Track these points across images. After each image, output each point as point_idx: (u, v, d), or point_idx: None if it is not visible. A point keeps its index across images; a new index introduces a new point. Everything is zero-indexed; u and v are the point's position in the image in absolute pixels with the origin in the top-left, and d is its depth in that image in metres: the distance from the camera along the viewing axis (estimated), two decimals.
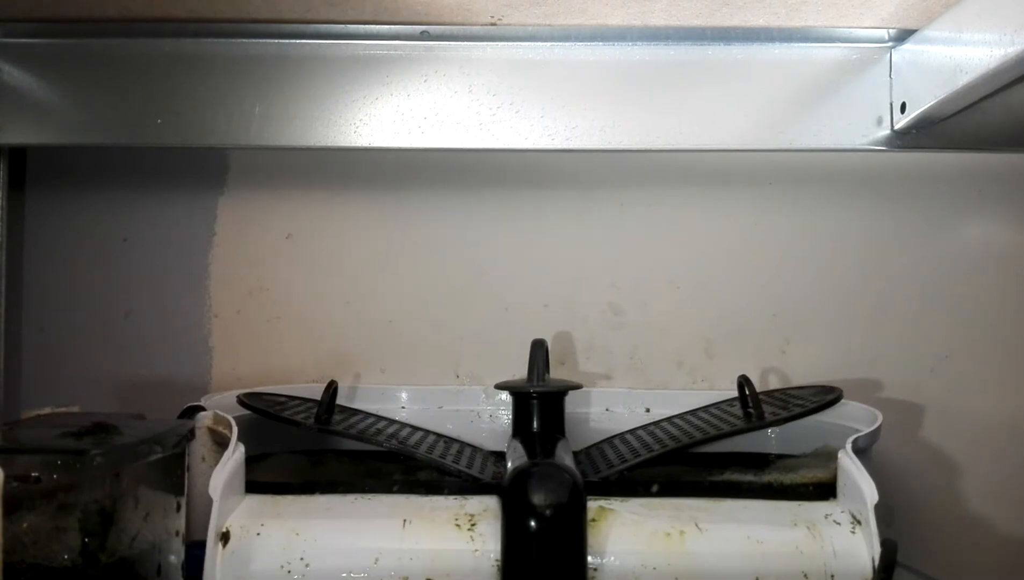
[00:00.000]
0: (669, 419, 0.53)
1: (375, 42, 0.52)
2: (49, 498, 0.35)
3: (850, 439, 0.42)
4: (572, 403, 0.51)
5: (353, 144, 0.52)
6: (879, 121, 0.52)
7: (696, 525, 0.40)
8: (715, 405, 0.53)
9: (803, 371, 0.57)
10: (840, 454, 0.42)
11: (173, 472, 0.41)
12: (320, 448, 0.51)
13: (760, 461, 0.45)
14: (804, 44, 0.52)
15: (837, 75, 0.52)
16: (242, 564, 0.38)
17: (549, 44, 0.52)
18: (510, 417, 0.51)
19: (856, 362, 0.57)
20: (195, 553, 0.39)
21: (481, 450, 0.49)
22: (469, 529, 0.39)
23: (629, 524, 0.39)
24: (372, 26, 0.52)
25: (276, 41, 0.52)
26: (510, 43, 0.52)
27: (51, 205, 0.57)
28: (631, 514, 0.40)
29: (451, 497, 0.42)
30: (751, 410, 0.47)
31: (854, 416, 0.47)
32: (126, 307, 0.58)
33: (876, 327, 0.57)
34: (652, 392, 0.56)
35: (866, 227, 0.58)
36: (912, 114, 0.49)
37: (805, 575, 0.38)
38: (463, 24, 0.52)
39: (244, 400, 0.47)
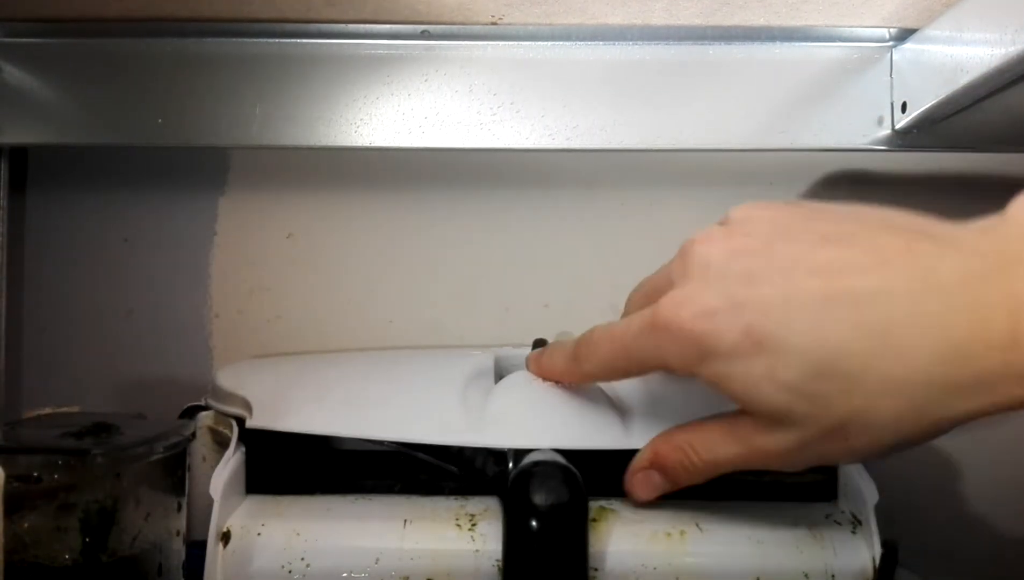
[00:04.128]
0: None
1: (375, 41, 0.52)
2: (50, 498, 0.35)
3: None
4: None
5: (354, 144, 0.52)
6: (880, 121, 0.52)
7: (697, 525, 0.40)
8: None
9: None
10: None
11: (174, 472, 0.41)
12: (321, 447, 0.50)
13: None
14: (805, 43, 0.52)
15: (838, 74, 0.52)
16: (243, 564, 0.38)
17: (550, 43, 0.52)
18: None
19: None
20: (196, 553, 0.39)
21: (482, 449, 0.48)
22: (470, 529, 0.39)
23: (630, 524, 0.39)
24: (372, 25, 0.52)
25: (277, 41, 0.52)
26: (511, 42, 0.52)
27: (51, 205, 0.57)
28: (632, 514, 0.40)
29: (452, 497, 0.42)
30: None
31: None
32: (127, 307, 0.58)
33: None
34: None
35: None
36: (913, 114, 0.49)
37: (806, 575, 0.38)
38: (464, 23, 0.52)
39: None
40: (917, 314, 0.26)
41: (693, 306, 0.30)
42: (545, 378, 0.42)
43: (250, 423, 0.41)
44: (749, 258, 0.29)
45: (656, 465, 0.37)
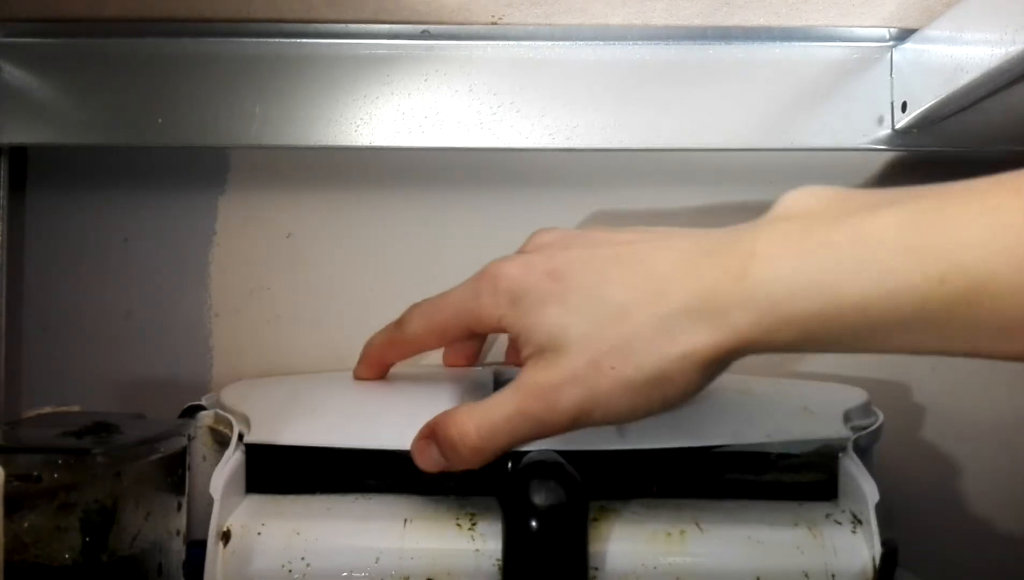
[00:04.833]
0: None
1: (376, 41, 0.52)
2: (50, 497, 0.35)
3: (851, 439, 0.42)
4: None
5: (354, 143, 0.52)
6: (880, 120, 0.52)
7: (697, 525, 0.40)
8: None
9: (805, 371, 0.57)
10: (841, 454, 0.42)
11: (174, 471, 0.41)
12: (321, 450, 0.50)
13: (761, 461, 0.45)
14: (805, 43, 0.52)
15: (838, 74, 0.52)
16: (243, 564, 0.38)
17: (550, 43, 0.52)
18: None
19: (857, 362, 0.57)
20: (196, 552, 0.39)
21: None
22: (470, 529, 0.39)
23: (630, 524, 0.40)
24: (373, 25, 0.52)
25: (276, 41, 0.52)
26: (511, 42, 0.52)
27: (51, 205, 0.57)
28: (632, 514, 0.40)
29: (452, 497, 0.42)
30: None
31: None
32: (126, 307, 0.58)
33: None
34: None
35: None
36: (913, 113, 0.49)
37: (806, 575, 0.38)
38: (464, 23, 0.52)
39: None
40: (680, 268, 0.32)
41: (516, 264, 0.35)
42: (368, 356, 0.44)
43: (248, 438, 0.41)
44: (564, 238, 0.37)
45: (434, 434, 0.36)
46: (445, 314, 0.40)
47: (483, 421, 0.34)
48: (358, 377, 0.45)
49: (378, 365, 0.45)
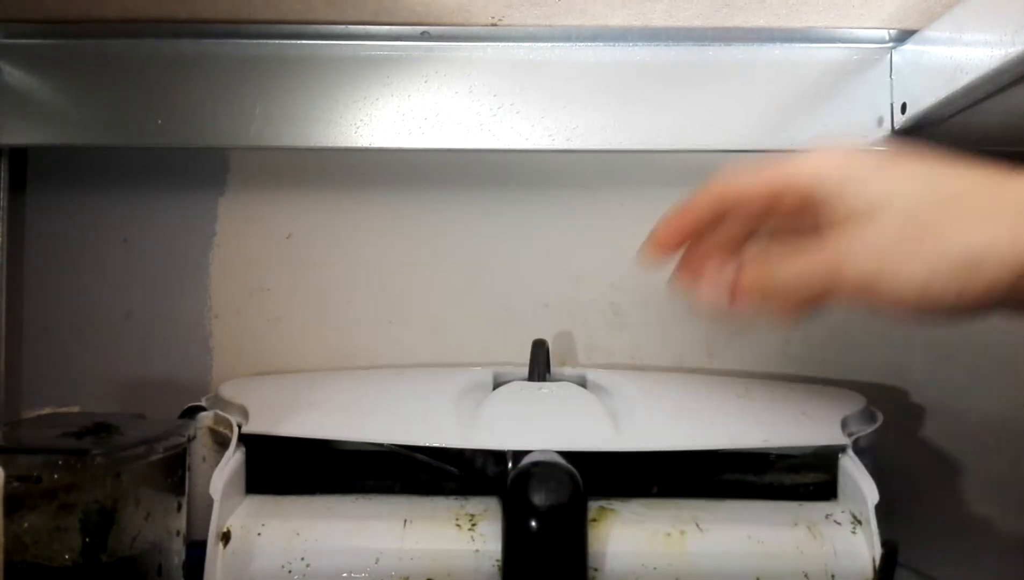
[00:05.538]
0: None
1: (376, 43, 0.52)
2: (50, 498, 0.35)
3: (848, 445, 0.42)
4: None
5: (354, 144, 0.52)
6: (880, 121, 0.52)
7: (697, 525, 0.40)
8: None
9: (805, 372, 0.57)
10: (841, 455, 0.42)
11: (174, 472, 0.41)
12: (321, 448, 0.51)
13: (760, 461, 0.45)
14: (804, 44, 0.52)
15: (838, 75, 0.52)
16: (243, 564, 0.38)
17: (550, 45, 0.52)
18: None
19: (856, 362, 0.57)
20: (196, 553, 0.39)
21: (482, 449, 0.49)
22: (470, 529, 0.39)
23: (629, 524, 0.40)
24: (372, 27, 0.52)
25: (276, 41, 0.52)
26: (511, 44, 0.52)
27: (51, 205, 0.57)
28: (631, 514, 0.40)
29: (451, 497, 0.42)
30: None
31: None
32: (126, 307, 0.58)
33: (877, 326, 0.58)
34: None
35: None
36: (913, 114, 0.49)
37: (806, 575, 0.38)
38: (463, 25, 0.52)
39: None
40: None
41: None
42: (665, 221, 0.42)
43: (247, 429, 0.42)
44: None
45: (742, 271, 0.37)
46: (764, 166, 0.38)
47: (790, 269, 0.34)
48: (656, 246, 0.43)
49: (684, 219, 0.43)
